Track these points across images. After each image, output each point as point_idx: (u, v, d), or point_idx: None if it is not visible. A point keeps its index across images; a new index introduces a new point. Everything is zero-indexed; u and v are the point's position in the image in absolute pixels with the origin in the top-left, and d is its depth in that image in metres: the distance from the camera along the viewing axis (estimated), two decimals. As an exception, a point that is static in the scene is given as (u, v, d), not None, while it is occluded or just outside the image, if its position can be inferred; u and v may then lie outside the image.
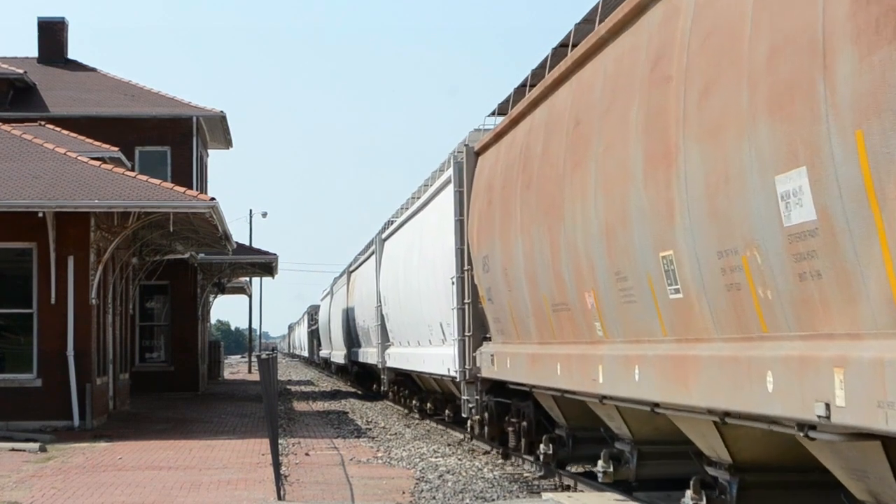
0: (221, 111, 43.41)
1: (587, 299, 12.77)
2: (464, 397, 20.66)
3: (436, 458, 20.71)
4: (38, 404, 25.69)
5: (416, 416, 31.43)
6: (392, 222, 33.56)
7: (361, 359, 42.59)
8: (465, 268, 20.06)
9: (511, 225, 16.12)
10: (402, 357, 29.86)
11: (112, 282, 30.14)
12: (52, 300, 25.95)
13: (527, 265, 15.39)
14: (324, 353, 68.80)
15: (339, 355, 54.10)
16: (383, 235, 34.21)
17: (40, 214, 25.45)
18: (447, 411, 26.43)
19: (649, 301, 10.88)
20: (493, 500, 15.27)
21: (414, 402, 31.76)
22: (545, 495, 15.31)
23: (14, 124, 32.08)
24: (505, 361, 17.59)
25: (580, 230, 12.66)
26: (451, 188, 21.11)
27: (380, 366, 34.44)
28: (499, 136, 18.12)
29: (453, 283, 20.73)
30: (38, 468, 18.78)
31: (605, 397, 12.74)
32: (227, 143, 48.33)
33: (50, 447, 21.95)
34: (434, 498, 15.33)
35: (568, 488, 16.12)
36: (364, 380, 47.41)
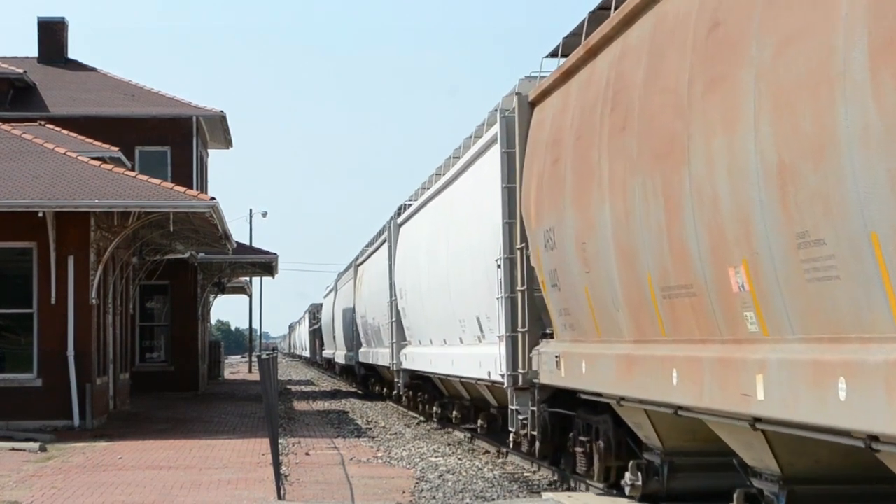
0: (221, 111, 43.41)
1: (733, 278, 9.21)
2: (512, 407, 16.93)
3: (436, 457, 20.70)
4: (39, 404, 25.68)
5: (435, 424, 28.17)
6: (408, 205, 30.10)
7: (370, 360, 39.16)
8: (518, 246, 16.40)
9: (592, 185, 12.47)
10: (422, 358, 26.52)
11: (112, 282, 30.14)
12: (52, 300, 25.94)
13: (618, 235, 11.76)
14: (327, 353, 65.73)
15: (344, 356, 51.20)
16: (399, 220, 30.69)
17: (40, 214, 25.44)
18: (480, 421, 22.73)
19: (872, 275, 7.18)
20: (493, 499, 15.26)
21: (434, 408, 28.01)
22: (545, 495, 15.30)
23: (14, 124, 32.05)
24: (578, 365, 13.76)
25: (723, 175, 9.10)
26: (495, 151, 17.50)
27: (393, 367, 31.10)
28: (567, 75, 14.30)
29: (499, 268, 17.10)
30: (39, 468, 18.78)
31: (759, 420, 9.17)
32: (227, 143, 48.32)
33: (50, 447, 21.95)
34: (434, 498, 15.33)
35: (569, 488, 16.11)
36: (373, 383, 43.67)
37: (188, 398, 39.77)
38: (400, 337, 30.11)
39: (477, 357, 19.46)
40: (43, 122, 36.59)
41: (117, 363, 31.44)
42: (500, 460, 20.15)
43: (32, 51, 46.88)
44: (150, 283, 40.61)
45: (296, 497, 15.22)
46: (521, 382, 16.53)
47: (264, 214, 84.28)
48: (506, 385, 16.87)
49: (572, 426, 15.41)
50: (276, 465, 15.73)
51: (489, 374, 18.34)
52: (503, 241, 16.76)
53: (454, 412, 25.44)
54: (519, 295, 16.50)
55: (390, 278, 30.55)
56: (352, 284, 44.75)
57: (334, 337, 56.35)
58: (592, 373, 13.16)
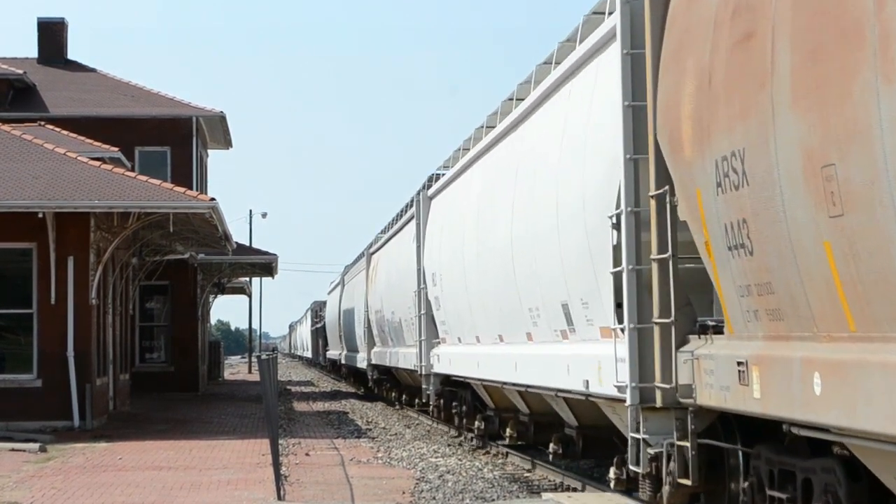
0: (221, 111, 43.41)
1: None
2: (638, 436, 11.31)
3: (436, 458, 20.70)
4: (38, 404, 25.68)
5: (474, 442, 22.46)
6: (440, 175, 25.51)
7: (387, 361, 34.04)
8: (653, 192, 10.71)
9: (855, 58, 6.73)
10: (464, 359, 21.28)
11: (112, 282, 30.14)
12: (52, 300, 25.94)
13: None
14: (332, 353, 60.20)
15: (353, 357, 45.96)
16: (430, 191, 25.57)
17: (40, 215, 25.44)
18: (553, 445, 16.78)
19: None
20: (493, 500, 15.26)
21: (476, 422, 22.00)
22: (545, 495, 15.30)
23: (14, 124, 32.07)
24: (803, 379, 7.84)
25: None
26: (607, 58, 12.72)
27: (421, 371, 25.71)
28: None
29: (615, 227, 12.02)
30: (38, 468, 18.77)
31: None
32: (226, 143, 48.32)
33: (50, 447, 21.95)
34: (434, 498, 15.33)
35: (568, 488, 16.11)
36: (388, 388, 38.52)
37: (188, 399, 39.76)
38: (430, 333, 25.14)
39: (562, 359, 14.28)
40: (43, 123, 36.58)
41: (117, 363, 31.43)
42: (500, 460, 20.14)
43: (32, 51, 46.93)
44: (150, 284, 40.60)
45: (296, 497, 15.21)
46: (660, 401, 10.75)
47: (264, 215, 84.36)
48: (629, 402, 11.31)
49: (743, 470, 9.98)
50: (276, 465, 15.73)
51: (588, 384, 13.17)
52: (625, 186, 11.55)
53: (508, 430, 19.73)
54: (656, 266, 10.65)
55: (419, 263, 25.53)
56: (363, 276, 39.71)
57: (341, 336, 51.37)
58: (846, 395, 7.25)
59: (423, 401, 26.96)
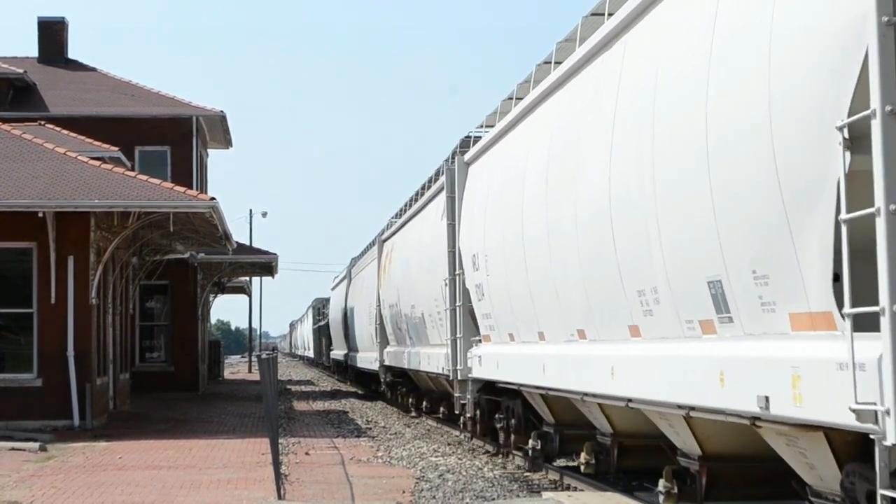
0: (221, 111, 43.41)
1: None
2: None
3: (436, 457, 20.70)
4: (39, 404, 25.69)
5: (521, 462, 18.76)
6: (478, 138, 20.79)
7: (406, 363, 29.29)
8: None
9: None
10: (517, 362, 16.81)
11: (112, 282, 30.15)
12: (52, 300, 25.95)
13: None
14: (336, 353, 56.03)
15: (361, 357, 41.83)
16: (466, 157, 20.83)
17: (40, 214, 25.45)
18: (665, 483, 11.90)
19: None
20: (493, 499, 15.27)
21: (530, 441, 17.83)
22: (545, 495, 15.30)
23: (14, 124, 32.07)
24: None
25: None
26: None
27: (456, 376, 21.19)
28: None
29: (850, 147, 7.49)
30: (39, 468, 18.78)
31: None
32: (227, 142, 48.32)
33: (50, 447, 21.95)
34: (434, 497, 15.33)
35: (568, 488, 16.11)
36: (404, 393, 33.78)
37: (188, 398, 39.76)
38: (468, 330, 20.53)
39: (709, 363, 9.66)
40: (43, 122, 36.59)
41: (117, 363, 31.44)
42: (500, 460, 20.14)
43: (32, 51, 46.94)
44: (150, 283, 40.62)
45: (296, 497, 15.22)
46: None
47: (264, 214, 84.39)
48: (889, 440, 7.04)
49: None
50: (276, 464, 15.74)
51: (768, 402, 8.59)
52: (880, 67, 7.01)
53: (584, 455, 15.12)
54: None
55: (452, 244, 21.00)
56: (374, 267, 35.49)
57: (348, 335, 47.09)
58: None
59: (456, 412, 21.99)
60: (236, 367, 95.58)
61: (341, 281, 51.83)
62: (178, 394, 40.69)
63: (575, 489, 15.80)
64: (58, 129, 35.51)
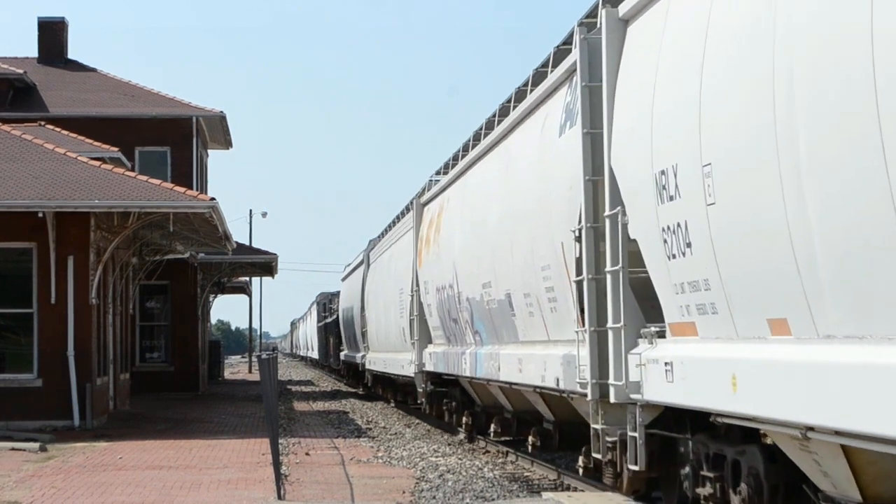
0: (221, 111, 43.43)
1: None
2: None
3: (436, 457, 20.69)
4: (39, 404, 25.68)
5: None
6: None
7: (467, 369, 20.70)
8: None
9: None
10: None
11: (112, 282, 30.15)
12: (52, 300, 25.94)
13: None
14: (348, 355, 48.22)
15: (388, 361, 32.47)
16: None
17: (40, 214, 25.45)
18: None
19: None
20: (494, 499, 15.26)
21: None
22: (545, 495, 15.30)
23: (14, 124, 32.07)
24: None
25: None
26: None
27: (605, 396, 12.26)
28: None
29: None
30: (39, 468, 18.78)
31: None
32: (227, 143, 48.34)
33: (50, 447, 21.95)
34: (434, 497, 15.33)
35: (568, 488, 16.11)
36: (452, 407, 24.90)
37: (188, 398, 39.76)
38: (632, 313, 11.62)
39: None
40: (43, 123, 36.59)
41: (117, 363, 31.45)
42: (500, 460, 20.13)
43: (32, 51, 46.95)
44: (150, 283, 40.62)
45: (296, 497, 15.22)
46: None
47: (264, 214, 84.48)
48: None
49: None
50: (276, 464, 15.74)
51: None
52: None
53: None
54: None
55: (591, 163, 12.73)
56: (409, 241, 27.54)
57: (363, 332, 39.91)
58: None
59: (600, 457, 12.84)
60: (236, 368, 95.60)
61: (356, 268, 44.33)
62: (178, 394, 40.70)
63: (575, 489, 15.80)
64: (58, 129, 35.51)
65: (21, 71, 41.97)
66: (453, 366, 22.38)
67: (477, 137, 20.79)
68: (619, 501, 13.99)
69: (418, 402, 28.25)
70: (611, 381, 11.94)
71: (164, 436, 24.69)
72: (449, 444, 23.24)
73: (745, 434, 9.98)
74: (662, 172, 10.22)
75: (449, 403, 25.17)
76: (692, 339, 10.12)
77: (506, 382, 17.76)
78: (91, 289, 26.27)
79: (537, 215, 15.08)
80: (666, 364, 10.51)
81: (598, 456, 12.84)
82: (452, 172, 22.95)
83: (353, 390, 49.57)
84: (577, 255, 13.05)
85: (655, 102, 10.53)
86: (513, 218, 16.57)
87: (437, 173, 25.75)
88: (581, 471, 14.50)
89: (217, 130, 45.77)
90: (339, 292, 55.24)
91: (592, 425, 12.77)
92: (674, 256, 10.20)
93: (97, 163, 28.31)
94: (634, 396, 11.44)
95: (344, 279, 52.06)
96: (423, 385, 26.53)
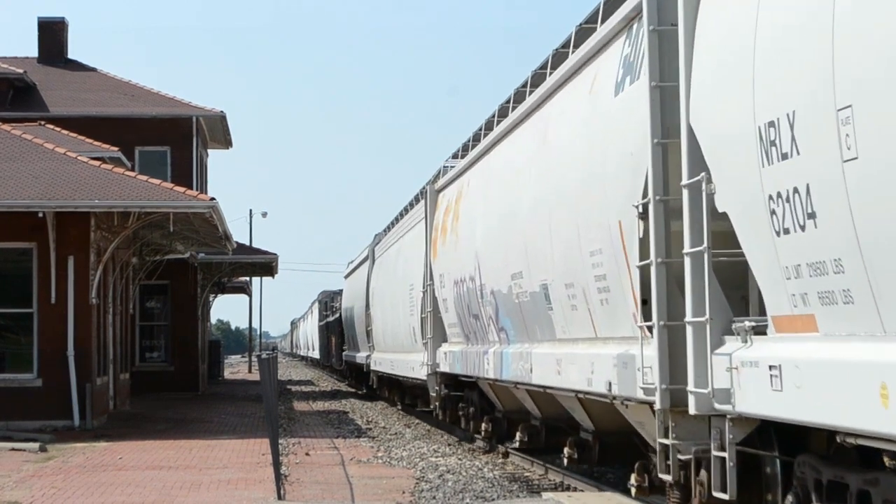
0: (221, 111, 43.42)
1: None
2: None
3: (436, 457, 20.69)
4: (39, 404, 25.68)
5: None
6: None
7: (491, 371, 18.42)
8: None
9: None
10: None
11: (112, 282, 30.15)
12: (52, 300, 25.94)
13: None
14: (352, 355, 46.01)
15: (396, 361, 30.14)
16: None
17: (40, 214, 25.45)
18: None
19: None
20: (493, 499, 15.26)
21: None
22: (545, 495, 15.30)
23: (14, 124, 32.06)
24: None
25: None
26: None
27: (682, 407, 9.94)
28: None
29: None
30: (39, 468, 18.78)
31: None
32: (227, 143, 48.33)
33: (50, 447, 21.95)
34: (434, 497, 15.33)
35: (568, 488, 16.11)
36: (470, 413, 22.21)
37: (188, 398, 39.76)
38: (718, 307, 9.37)
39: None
40: (43, 122, 36.59)
41: (117, 363, 31.44)
42: (499, 460, 20.13)
43: (32, 51, 46.93)
44: (150, 283, 40.61)
45: (296, 497, 15.22)
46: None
47: (264, 214, 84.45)
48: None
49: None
50: (276, 465, 15.74)
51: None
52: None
53: None
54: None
55: (663, 124, 10.61)
56: (420, 231, 25.30)
57: (368, 331, 37.72)
58: None
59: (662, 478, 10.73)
60: (236, 367, 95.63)
61: (360, 264, 42.19)
62: (177, 394, 40.69)
63: (575, 489, 15.81)
64: (58, 129, 35.51)
65: (21, 71, 41.96)
66: (473, 367, 19.91)
67: (503, 113, 18.46)
68: (619, 501, 14.00)
69: (430, 406, 25.52)
70: (690, 387, 9.53)
71: (164, 436, 24.69)
72: (449, 445, 23.23)
73: (865, 457, 7.88)
74: (770, 124, 7.93)
75: (465, 408, 22.46)
76: (810, 337, 7.87)
77: (540, 386, 15.31)
78: (91, 289, 26.27)
79: (585, 192, 12.77)
80: (772, 368, 8.24)
81: (667, 477, 10.38)
82: (473, 153, 20.46)
83: (354, 390, 49.55)
84: (641, 234, 10.82)
85: (759, 34, 8.19)
86: (553, 197, 14.13)
87: (454, 157, 23.35)
88: (634, 490, 12.18)
89: (217, 130, 45.77)
90: (341, 290, 53.49)
91: (659, 440, 10.40)
92: (786, 231, 7.92)
93: (97, 162, 28.32)
94: (723, 407, 9.08)
95: (347, 276, 50.01)
96: (437, 388, 23.97)
